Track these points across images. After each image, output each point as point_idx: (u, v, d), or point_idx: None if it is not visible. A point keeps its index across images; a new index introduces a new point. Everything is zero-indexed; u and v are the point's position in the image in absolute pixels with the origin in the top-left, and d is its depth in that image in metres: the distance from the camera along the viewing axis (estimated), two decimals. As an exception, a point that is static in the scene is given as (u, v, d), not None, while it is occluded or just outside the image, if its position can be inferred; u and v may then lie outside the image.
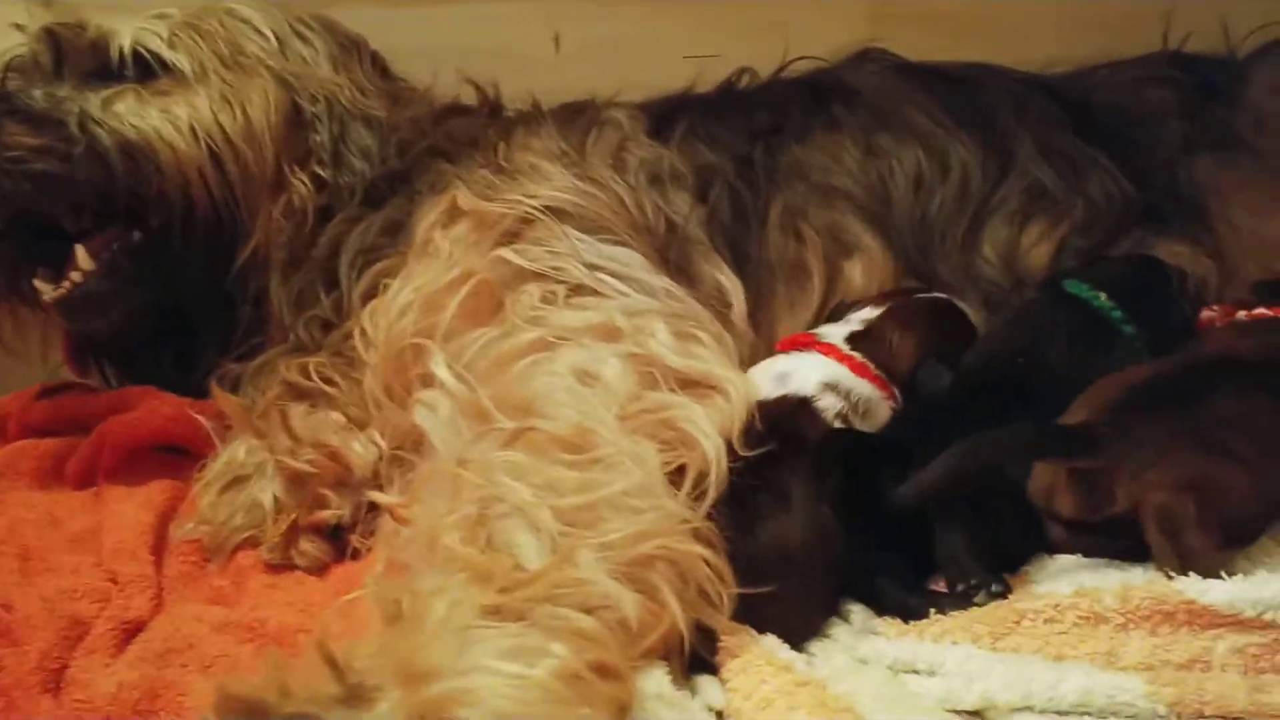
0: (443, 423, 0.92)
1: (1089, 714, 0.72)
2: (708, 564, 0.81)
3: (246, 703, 0.63)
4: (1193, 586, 0.75)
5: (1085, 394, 0.99)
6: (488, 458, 0.84)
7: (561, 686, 0.66)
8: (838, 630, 0.88)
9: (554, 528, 0.78)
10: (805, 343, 1.10)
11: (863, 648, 0.84)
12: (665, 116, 1.26)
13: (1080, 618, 0.78)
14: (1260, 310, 1.05)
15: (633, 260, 1.10)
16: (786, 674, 0.75)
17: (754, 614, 0.87)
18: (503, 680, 0.65)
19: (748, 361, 1.11)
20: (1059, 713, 0.72)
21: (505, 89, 1.35)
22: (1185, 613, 0.75)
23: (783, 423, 1.02)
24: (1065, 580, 0.84)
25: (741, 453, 0.94)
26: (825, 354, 1.08)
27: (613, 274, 1.08)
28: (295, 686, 0.65)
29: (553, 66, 1.51)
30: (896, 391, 1.09)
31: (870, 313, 1.12)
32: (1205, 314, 1.07)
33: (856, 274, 1.17)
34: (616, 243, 1.11)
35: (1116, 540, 0.90)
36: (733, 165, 1.20)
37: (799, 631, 0.88)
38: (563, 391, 0.92)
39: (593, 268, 1.08)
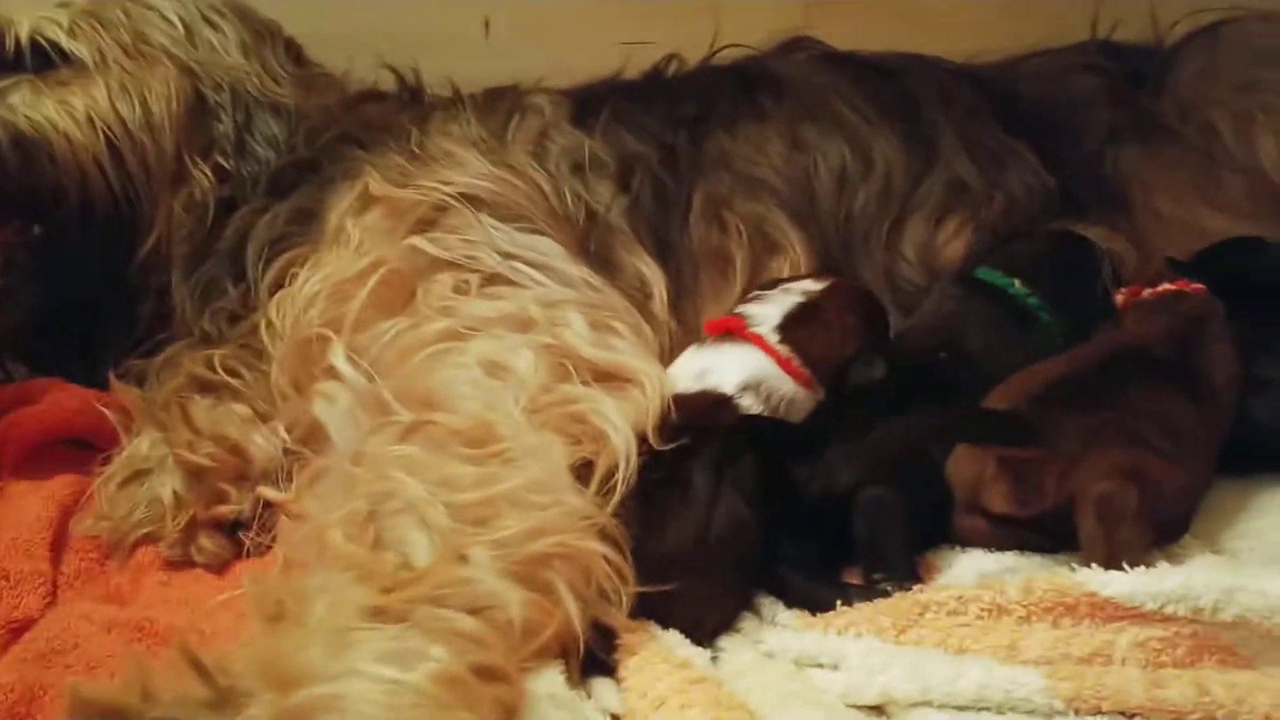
0: (341, 415, 0.89)
1: (987, 708, 0.70)
2: (609, 561, 0.79)
3: (105, 707, 0.60)
4: (1095, 579, 0.73)
5: (1001, 387, 0.97)
6: (382, 452, 0.82)
7: (439, 690, 0.64)
8: (748, 624, 0.86)
9: (446, 525, 0.76)
10: (734, 328, 1.07)
11: (770, 641, 0.82)
12: (590, 103, 1.24)
13: (983, 610, 0.76)
14: (1165, 286, 1.04)
15: (550, 249, 1.07)
16: (682, 672, 0.73)
17: (662, 610, 0.85)
18: (375, 686, 0.63)
19: (671, 352, 1.09)
20: (957, 707, 0.71)
21: (433, 75, 1.32)
22: (1087, 605, 0.73)
23: (699, 417, 1.00)
24: (970, 570, 0.83)
25: (655, 447, 0.93)
26: (752, 345, 1.05)
27: (529, 263, 1.05)
28: (159, 690, 0.62)
29: (482, 51, 1.49)
30: (820, 385, 1.06)
31: (811, 286, 1.09)
32: (1117, 297, 1.06)
33: (782, 270, 1.14)
34: (534, 231, 1.08)
35: (1036, 536, 0.88)
36: (657, 153, 1.18)
37: (708, 627, 0.87)
38: (468, 383, 0.90)
39: (508, 256, 1.05)
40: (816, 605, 0.85)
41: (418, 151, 1.12)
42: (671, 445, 0.93)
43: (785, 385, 1.04)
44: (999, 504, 0.87)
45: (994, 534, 0.90)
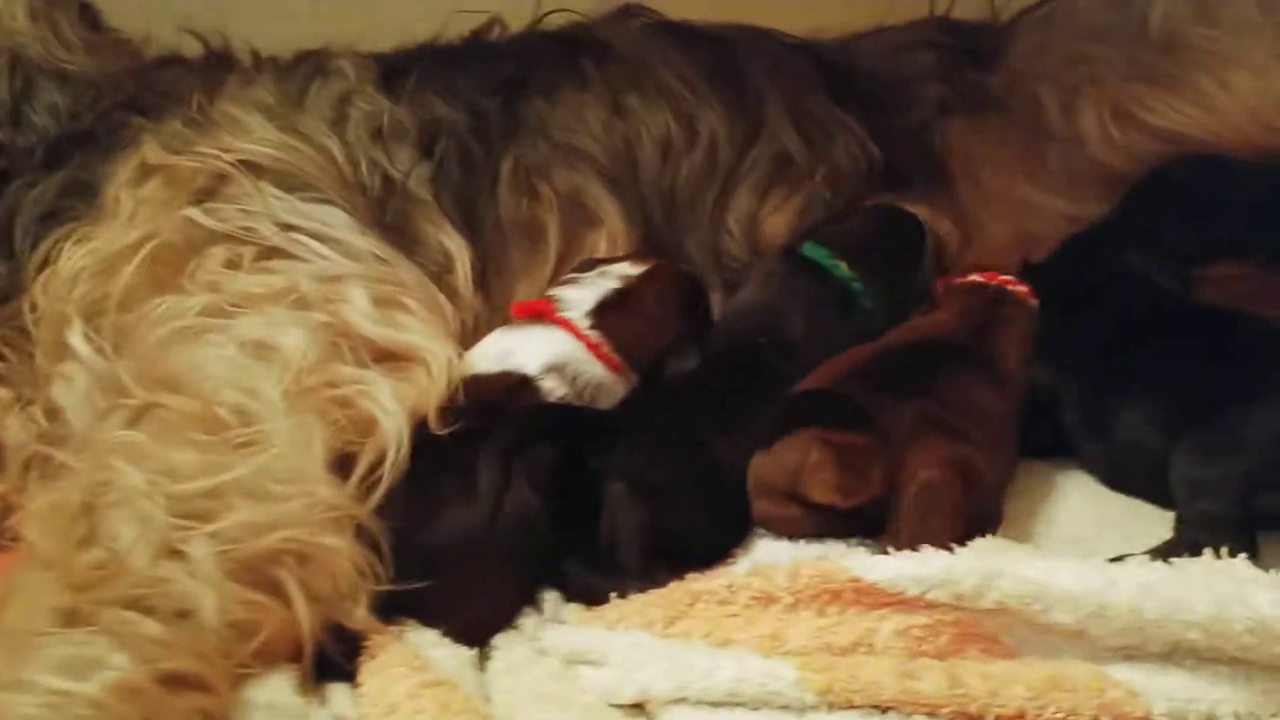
0: (78, 398, 0.81)
1: (741, 703, 0.66)
2: (357, 557, 0.73)
3: None
4: (860, 564, 0.69)
5: (814, 373, 0.93)
6: (106, 438, 0.75)
7: (115, 701, 0.57)
8: (529, 620, 0.81)
9: (163, 518, 0.69)
10: (543, 312, 1.02)
11: (545, 638, 0.78)
12: (401, 67, 1.16)
13: (753, 598, 0.72)
14: (973, 277, 1.01)
15: (337, 220, 1.00)
16: (419, 675, 0.67)
17: (434, 608, 0.79)
18: (40, 699, 0.56)
19: (476, 331, 1.03)
20: (712, 703, 0.66)
21: (244, 39, 1.25)
22: (852, 591, 0.69)
23: (495, 401, 0.95)
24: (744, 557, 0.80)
25: (437, 431, 0.87)
26: (561, 329, 1.00)
27: (312, 235, 0.98)
28: None
29: (303, 15, 1.41)
30: (633, 372, 1.01)
31: (629, 270, 1.04)
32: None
33: (599, 244, 1.08)
34: (321, 201, 1.01)
35: (849, 525, 0.84)
36: (467, 119, 1.11)
37: (485, 624, 0.81)
38: (220, 364, 0.83)
39: (289, 228, 0.98)
40: (591, 598, 0.80)
41: (199, 117, 1.04)
42: (454, 429, 0.89)
43: (595, 371, 0.99)
44: (821, 493, 0.82)
45: (807, 523, 0.84)
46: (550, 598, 0.82)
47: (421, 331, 0.92)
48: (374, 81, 1.14)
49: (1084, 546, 0.82)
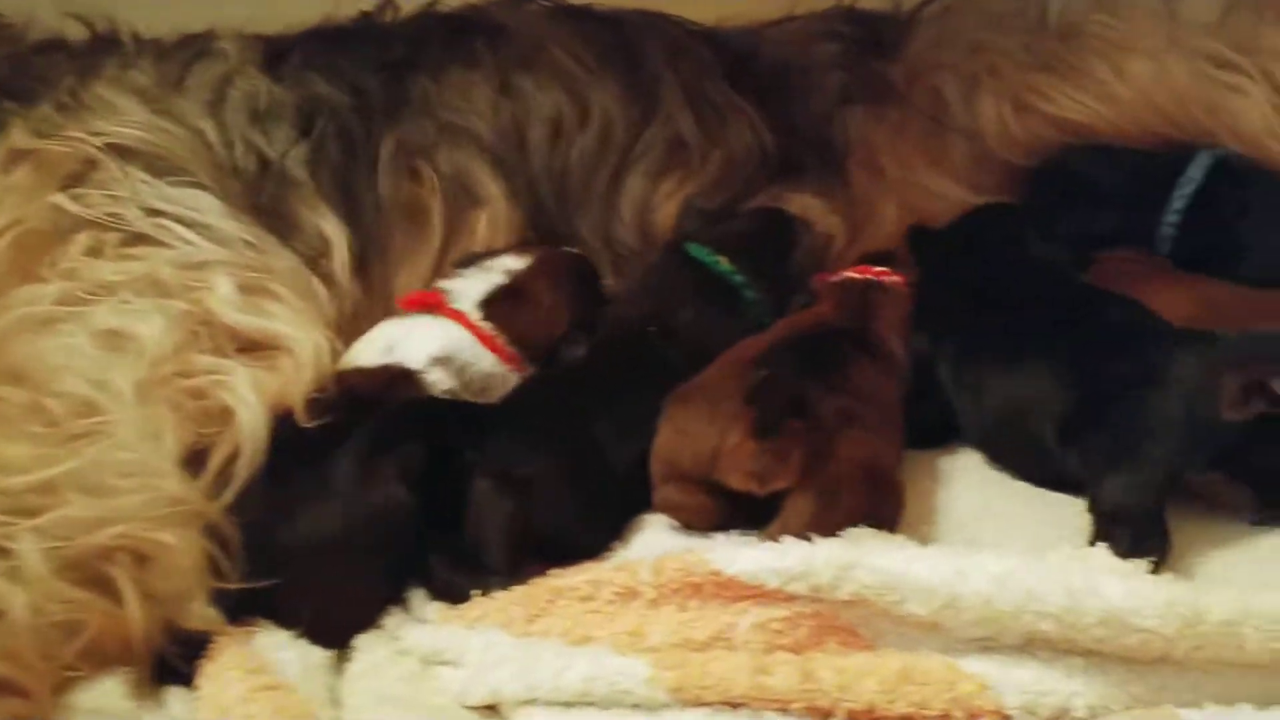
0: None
1: (592, 703, 0.63)
2: (199, 555, 0.70)
3: None
4: (720, 556, 0.67)
5: (715, 364, 0.90)
6: (-67, 432, 0.71)
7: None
8: (394, 619, 0.78)
9: (-11, 513, 0.65)
10: (431, 303, 0.99)
11: (406, 638, 0.75)
12: (286, 48, 1.13)
13: (615, 594, 0.69)
14: (848, 273, 1.00)
15: (208, 205, 0.96)
16: (255, 678, 0.64)
17: (289, 610, 0.76)
18: None
19: (355, 318, 0.99)
20: (563, 703, 0.64)
21: (139, 25, 1.20)
22: (713, 585, 0.67)
23: (372, 394, 0.92)
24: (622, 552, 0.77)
25: (303, 424, 0.84)
26: (451, 321, 0.97)
27: (179, 220, 0.94)
28: None
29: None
30: (526, 363, 0.98)
31: (514, 263, 1.02)
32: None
33: (481, 224, 1.05)
34: (191, 185, 0.97)
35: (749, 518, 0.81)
36: (350, 99, 1.07)
37: (343, 626, 0.78)
38: (69, 353, 0.79)
39: (156, 214, 0.94)
40: (452, 596, 0.77)
41: (70, 102, 0.99)
42: (321, 421, 0.85)
43: (486, 363, 0.96)
44: (738, 479, 0.79)
45: (714, 512, 0.81)
46: (417, 596, 0.79)
47: (289, 319, 0.89)
48: (257, 63, 1.09)
49: (965, 533, 0.80)
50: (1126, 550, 0.66)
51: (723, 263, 1.02)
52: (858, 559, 0.63)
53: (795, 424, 0.80)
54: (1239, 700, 0.58)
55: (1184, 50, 1.09)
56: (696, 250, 1.04)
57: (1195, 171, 1.04)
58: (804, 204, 1.08)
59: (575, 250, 1.06)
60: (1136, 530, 0.69)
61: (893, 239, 1.09)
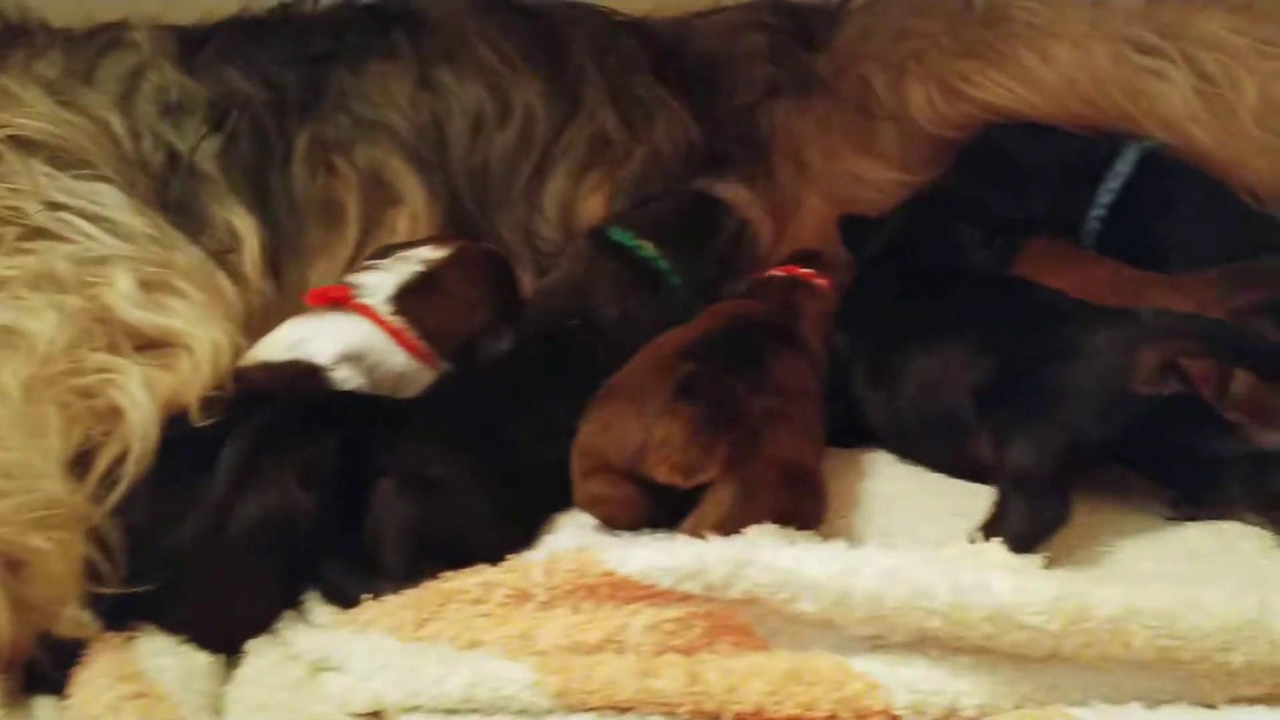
0: None
1: (476, 709, 0.62)
2: (76, 559, 0.67)
3: None
4: (614, 556, 0.65)
5: (638, 357, 0.88)
6: None
7: None
8: (287, 624, 0.75)
9: None
10: (339, 298, 0.96)
11: (295, 643, 0.72)
12: (201, 40, 1.10)
13: (507, 596, 0.68)
14: (771, 271, 1.00)
15: (112, 199, 0.93)
16: (127, 686, 0.62)
17: (175, 615, 0.74)
18: None
19: (266, 316, 0.97)
20: (446, 710, 0.62)
21: (53, 14, 1.17)
22: (607, 586, 0.65)
23: (276, 391, 0.89)
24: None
25: (198, 423, 0.82)
26: (360, 316, 0.94)
27: (81, 214, 0.91)
28: None
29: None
30: (441, 359, 0.96)
31: (430, 254, 0.99)
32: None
33: (399, 221, 1.03)
34: (95, 179, 0.94)
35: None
36: (264, 93, 1.04)
37: (231, 631, 0.75)
38: (-44, 350, 0.77)
39: (57, 207, 0.91)
40: (342, 599, 0.75)
41: (-31, 93, 0.98)
42: (216, 421, 0.83)
43: (397, 360, 0.94)
44: (664, 472, 0.76)
45: (639, 507, 0.79)
46: (312, 599, 0.77)
47: (190, 316, 0.87)
48: (170, 54, 1.07)
49: (879, 524, 0.80)
50: (1022, 518, 0.65)
51: (646, 247, 1.01)
52: (751, 557, 0.62)
53: (722, 418, 0.78)
54: (1129, 699, 0.57)
55: (1107, 35, 1.07)
56: (618, 234, 1.03)
57: (1123, 165, 1.04)
58: (730, 197, 1.06)
59: (492, 247, 1.04)
60: (1034, 497, 0.67)
61: (819, 230, 1.08)
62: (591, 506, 0.81)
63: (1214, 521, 0.76)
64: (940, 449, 0.82)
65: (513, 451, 0.84)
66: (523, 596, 0.67)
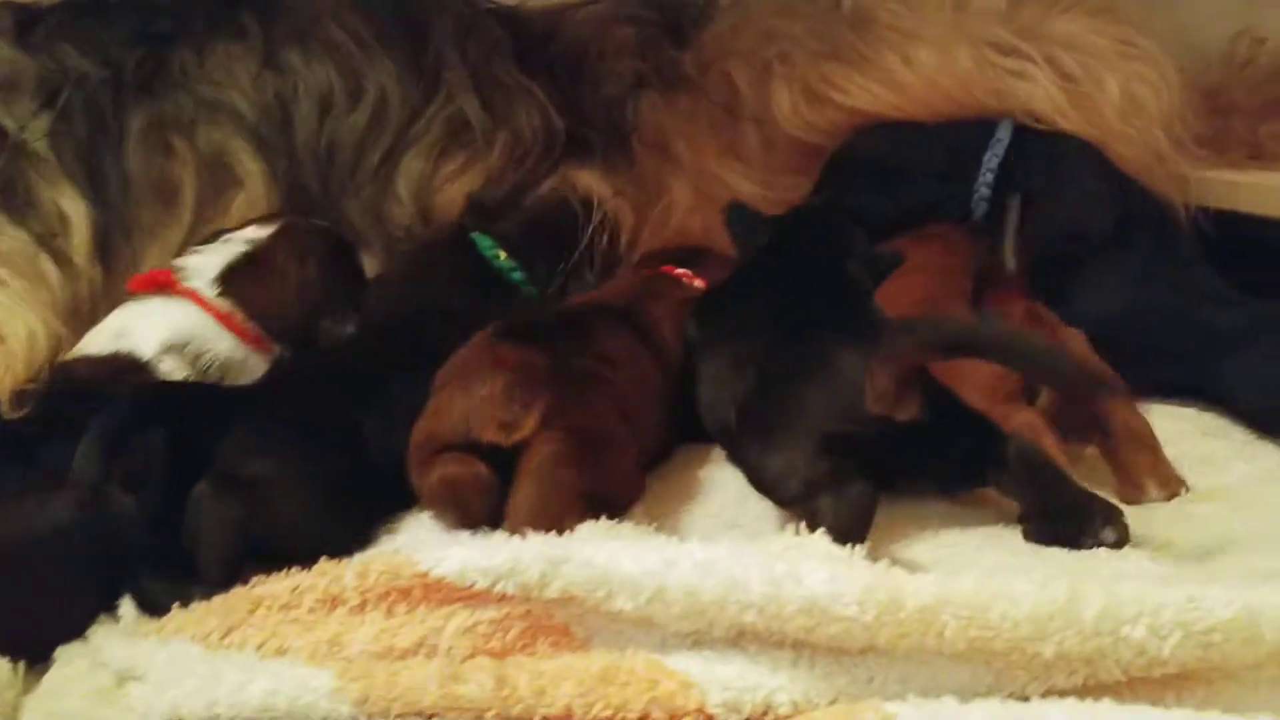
0: None
1: (275, 718, 0.58)
2: None
3: None
4: (427, 557, 0.62)
5: (465, 346, 0.85)
6: None
7: None
8: (100, 630, 0.71)
9: None
10: (162, 283, 0.91)
11: (103, 650, 0.68)
12: (38, 16, 1.04)
13: (318, 601, 0.64)
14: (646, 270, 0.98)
15: (-72, 186, 0.89)
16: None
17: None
18: None
19: (96, 301, 0.93)
20: (245, 720, 0.59)
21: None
22: (421, 588, 0.62)
23: (100, 385, 0.84)
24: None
25: (7, 416, 0.77)
26: (185, 301, 0.90)
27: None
28: None
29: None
30: (274, 343, 0.93)
31: (257, 233, 0.95)
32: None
33: (238, 203, 0.99)
34: (-95, 157, 0.90)
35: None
36: (101, 71, 0.99)
37: (39, 637, 0.71)
38: None
39: None
40: (150, 606, 0.70)
41: None
42: (27, 416, 0.78)
43: (224, 346, 0.90)
44: (490, 431, 0.74)
45: (480, 477, 0.75)
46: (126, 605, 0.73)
47: (4, 304, 0.82)
48: (3, 30, 1.01)
49: (725, 515, 0.78)
50: (833, 511, 0.65)
51: (502, 257, 0.99)
52: (567, 554, 0.59)
53: (537, 377, 0.77)
54: (945, 692, 0.55)
55: (970, 37, 1.08)
56: (480, 240, 1.00)
57: (1002, 135, 1.04)
58: (591, 188, 1.05)
59: (324, 223, 1.00)
60: (837, 491, 0.66)
61: (684, 219, 1.07)
62: (436, 496, 0.77)
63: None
64: (731, 452, 0.81)
65: (354, 447, 0.81)
66: (334, 601, 0.64)
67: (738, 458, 0.79)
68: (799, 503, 0.70)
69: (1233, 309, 0.96)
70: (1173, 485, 0.81)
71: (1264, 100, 1.20)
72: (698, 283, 0.97)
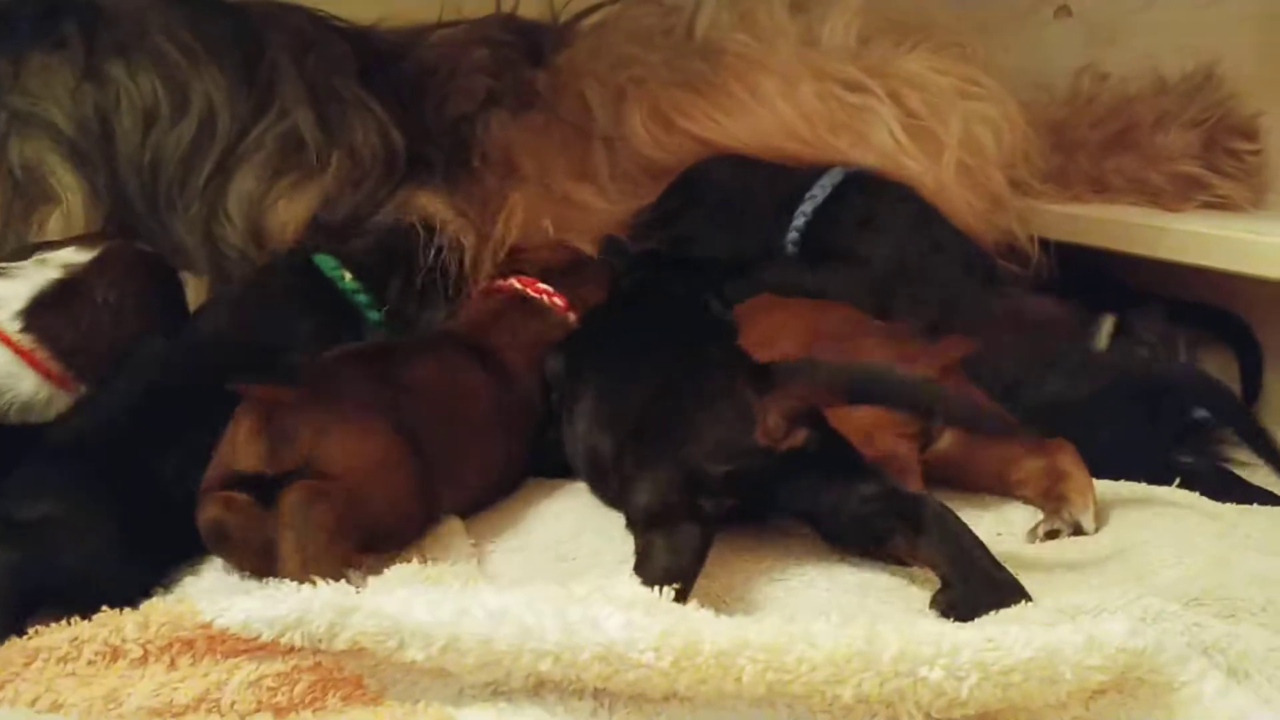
0: None
1: (25, 780, 0.54)
2: None
3: None
4: (212, 607, 0.59)
5: None
6: None
7: None
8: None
9: None
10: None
11: None
12: None
13: (97, 653, 0.59)
14: (511, 280, 0.95)
15: None
16: None
17: None
18: None
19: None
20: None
21: None
22: (205, 639, 0.58)
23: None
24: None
25: None
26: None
27: None
28: None
29: None
30: (80, 380, 0.87)
31: (74, 256, 0.88)
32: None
33: (52, 220, 0.94)
34: None
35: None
36: None
37: None
38: None
39: None
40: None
41: None
42: None
43: (24, 386, 0.83)
44: (250, 459, 0.71)
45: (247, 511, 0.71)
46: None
47: None
48: None
49: (559, 549, 0.77)
50: (664, 554, 0.63)
51: (348, 279, 0.96)
52: (357, 603, 0.56)
53: (298, 395, 0.74)
54: (747, 739, 0.54)
55: (818, 72, 1.10)
56: (323, 262, 0.97)
57: (820, 190, 1.05)
58: (433, 207, 1.02)
59: (149, 249, 0.94)
60: (669, 532, 0.65)
61: (526, 235, 1.04)
62: (207, 539, 0.73)
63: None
64: (600, 487, 0.80)
65: (150, 487, 0.75)
66: (115, 652, 0.59)
67: (608, 495, 0.77)
68: (639, 537, 0.68)
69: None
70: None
71: (1106, 135, 1.24)
72: (558, 300, 0.96)
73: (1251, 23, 1.15)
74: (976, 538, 0.68)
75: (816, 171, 1.06)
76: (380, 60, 1.12)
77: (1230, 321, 1.14)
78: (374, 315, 0.95)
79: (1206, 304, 1.15)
